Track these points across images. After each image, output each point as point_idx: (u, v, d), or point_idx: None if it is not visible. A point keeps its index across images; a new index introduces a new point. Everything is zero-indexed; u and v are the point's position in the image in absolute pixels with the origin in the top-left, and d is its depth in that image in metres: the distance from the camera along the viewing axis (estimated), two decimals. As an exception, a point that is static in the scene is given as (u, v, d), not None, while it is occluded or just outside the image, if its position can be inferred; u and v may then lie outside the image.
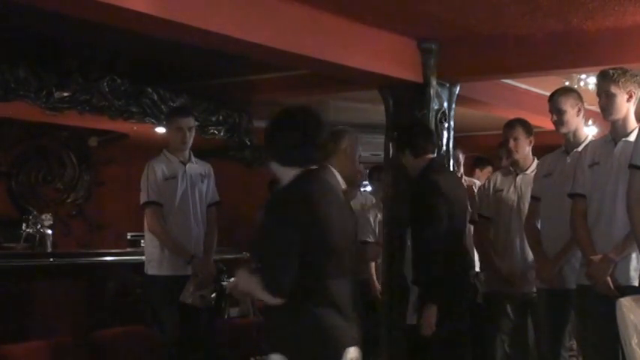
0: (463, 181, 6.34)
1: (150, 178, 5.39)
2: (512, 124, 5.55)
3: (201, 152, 5.74)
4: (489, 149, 9.66)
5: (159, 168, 5.41)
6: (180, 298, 5.26)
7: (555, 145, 5.14)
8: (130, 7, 4.25)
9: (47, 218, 7.66)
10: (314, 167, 3.21)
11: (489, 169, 7.36)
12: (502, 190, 5.59)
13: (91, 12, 4.46)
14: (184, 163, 5.49)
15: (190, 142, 5.50)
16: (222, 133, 8.48)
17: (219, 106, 8.38)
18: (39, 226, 7.52)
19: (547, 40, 6.10)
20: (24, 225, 7.66)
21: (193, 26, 4.67)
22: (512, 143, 5.50)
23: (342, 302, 3.11)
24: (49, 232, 7.57)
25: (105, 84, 7.22)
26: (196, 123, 5.75)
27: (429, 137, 5.24)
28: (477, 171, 7.34)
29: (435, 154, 5.14)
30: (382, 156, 6.77)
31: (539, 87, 8.03)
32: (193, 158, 5.57)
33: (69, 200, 9.75)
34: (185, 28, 4.69)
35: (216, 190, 5.67)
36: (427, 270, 4.79)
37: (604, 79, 4.29)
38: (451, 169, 6.62)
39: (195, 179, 5.50)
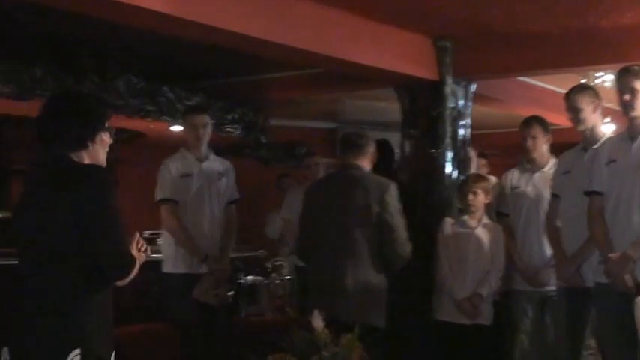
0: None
1: (165, 176, 5.40)
2: (529, 123, 5.52)
3: (217, 150, 5.75)
4: (506, 147, 9.65)
5: (174, 166, 5.42)
6: (193, 294, 5.27)
7: (572, 142, 5.12)
8: (146, 6, 4.26)
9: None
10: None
11: (481, 161, 7.39)
12: (519, 188, 5.58)
13: (108, 11, 4.48)
14: (201, 161, 5.49)
15: (205, 139, 5.50)
16: (238, 132, 8.50)
17: (235, 104, 8.39)
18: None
19: (563, 38, 6.08)
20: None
21: (208, 25, 4.68)
22: (530, 142, 5.48)
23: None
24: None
25: (121, 83, 7.24)
26: (212, 121, 5.76)
27: (386, 153, 5.78)
28: None
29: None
30: (398, 154, 6.76)
31: (556, 84, 8.00)
32: (212, 156, 5.56)
33: (86, 199, 9.76)
34: (200, 27, 4.70)
35: (236, 188, 5.67)
36: None
37: (628, 75, 4.25)
38: (468, 166, 6.62)
39: (212, 177, 5.49)
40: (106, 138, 3.21)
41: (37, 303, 3.02)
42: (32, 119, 7.66)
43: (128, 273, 3.10)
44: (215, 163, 5.56)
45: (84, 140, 3.13)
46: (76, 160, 3.13)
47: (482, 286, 5.42)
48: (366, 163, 4.94)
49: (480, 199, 5.53)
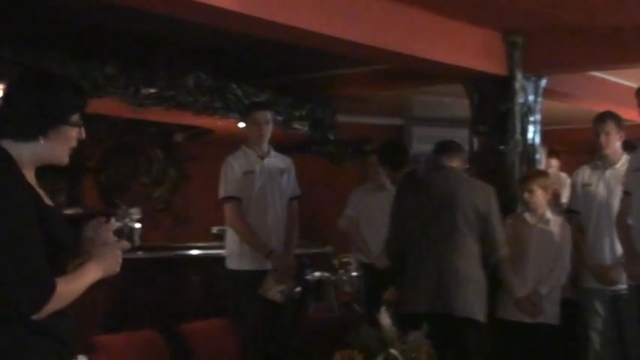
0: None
1: (227, 174, 5.43)
2: (603, 119, 5.43)
3: (284, 147, 5.77)
4: (577, 143, 9.49)
5: (236, 163, 5.44)
6: (258, 291, 5.29)
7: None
8: (214, 4, 4.30)
9: (136, 212, 7.81)
10: None
11: (554, 162, 7.32)
12: (590, 185, 5.49)
13: (177, 9, 4.53)
14: (262, 158, 5.50)
15: (267, 136, 5.51)
16: (305, 128, 8.52)
17: (303, 101, 8.41)
18: (127, 220, 7.67)
19: (637, 31, 5.95)
20: (113, 219, 7.81)
21: (277, 22, 4.70)
22: (603, 138, 5.39)
23: None
24: (138, 225, 7.72)
25: (190, 80, 7.32)
26: (279, 118, 5.78)
27: (406, 155, 6.10)
28: None
29: (412, 167, 6.02)
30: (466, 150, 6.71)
31: (629, 79, 7.83)
32: (273, 152, 5.58)
33: (156, 195, 9.92)
34: (268, 24, 4.72)
35: (297, 184, 5.68)
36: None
37: None
38: (537, 162, 6.54)
39: (274, 173, 5.51)
40: (72, 133, 2.55)
41: None
42: (104, 116, 7.77)
43: (43, 300, 2.29)
44: (276, 160, 5.57)
45: (33, 131, 2.46)
46: (13, 152, 2.42)
47: (541, 284, 5.32)
48: (459, 165, 5.15)
49: (537, 195, 5.41)
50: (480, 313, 4.89)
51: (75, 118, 2.54)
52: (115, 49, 6.78)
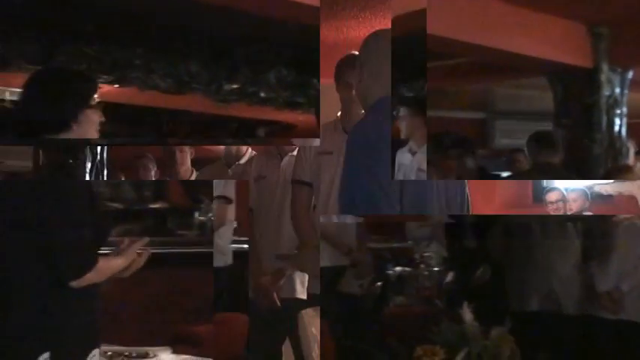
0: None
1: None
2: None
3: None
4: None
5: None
6: (337, 288, 5.30)
7: None
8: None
9: (219, 207, 7.88)
10: None
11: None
12: (677, 179, 5.37)
13: (259, 6, 4.57)
14: None
15: None
16: (385, 122, 8.49)
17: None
18: (210, 215, 7.75)
19: None
20: (197, 213, 7.91)
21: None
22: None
23: None
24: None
25: (272, 75, 7.36)
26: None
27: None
28: None
29: None
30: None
31: None
32: None
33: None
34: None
35: None
36: None
37: None
38: (624, 156, 6.41)
39: None
40: (94, 116, 2.89)
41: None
42: (187, 112, 7.86)
43: (86, 268, 2.72)
44: None
45: (64, 122, 2.81)
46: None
47: (624, 280, 5.21)
48: (559, 160, 5.39)
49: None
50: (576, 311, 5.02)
51: (92, 101, 2.86)
52: (198, 46, 6.87)
